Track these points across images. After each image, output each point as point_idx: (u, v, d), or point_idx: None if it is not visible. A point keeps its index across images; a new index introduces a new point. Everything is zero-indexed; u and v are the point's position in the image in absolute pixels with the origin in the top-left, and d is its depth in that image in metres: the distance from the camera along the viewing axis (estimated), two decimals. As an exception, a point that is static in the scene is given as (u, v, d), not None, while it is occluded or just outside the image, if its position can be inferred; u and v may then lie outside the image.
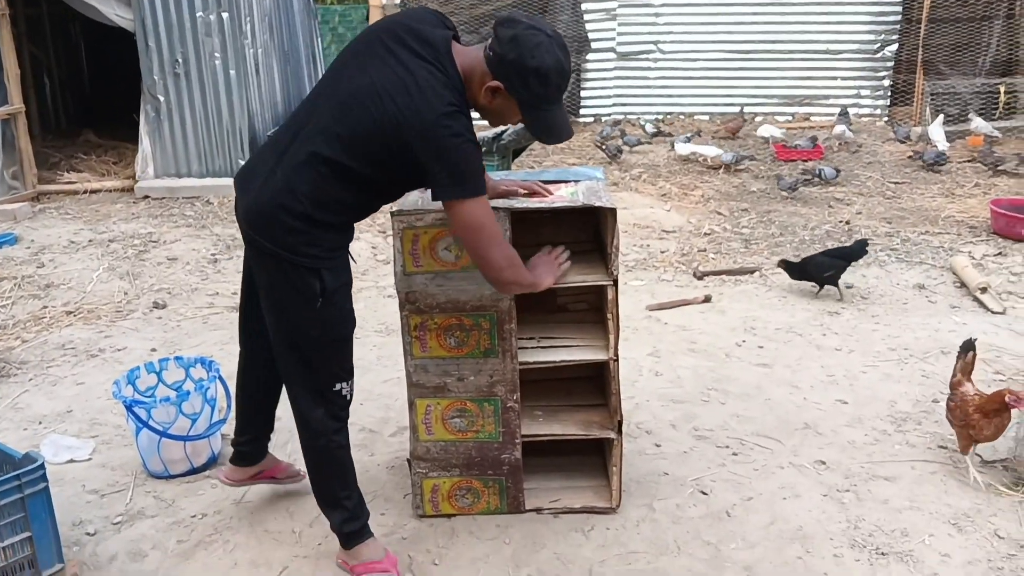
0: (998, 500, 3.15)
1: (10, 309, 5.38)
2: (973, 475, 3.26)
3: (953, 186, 7.61)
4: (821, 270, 5.18)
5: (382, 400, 4.03)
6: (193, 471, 3.44)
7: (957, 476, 3.32)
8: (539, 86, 2.42)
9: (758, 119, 10.84)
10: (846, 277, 5.28)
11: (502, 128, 7.81)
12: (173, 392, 3.59)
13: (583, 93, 11.21)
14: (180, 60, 8.07)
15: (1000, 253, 5.85)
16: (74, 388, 4.30)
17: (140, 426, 3.31)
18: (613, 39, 11.11)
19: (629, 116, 11.04)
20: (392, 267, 2.92)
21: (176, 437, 3.33)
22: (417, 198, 2.95)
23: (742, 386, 4.12)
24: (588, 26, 10.98)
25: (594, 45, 11.04)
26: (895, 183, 7.79)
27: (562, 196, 2.96)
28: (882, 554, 2.87)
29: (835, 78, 10.89)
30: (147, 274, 5.99)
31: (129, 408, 3.33)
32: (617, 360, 3.00)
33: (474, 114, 2.53)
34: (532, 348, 3.08)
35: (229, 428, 3.73)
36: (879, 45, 10.76)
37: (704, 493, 3.24)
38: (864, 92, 10.90)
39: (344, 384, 2.67)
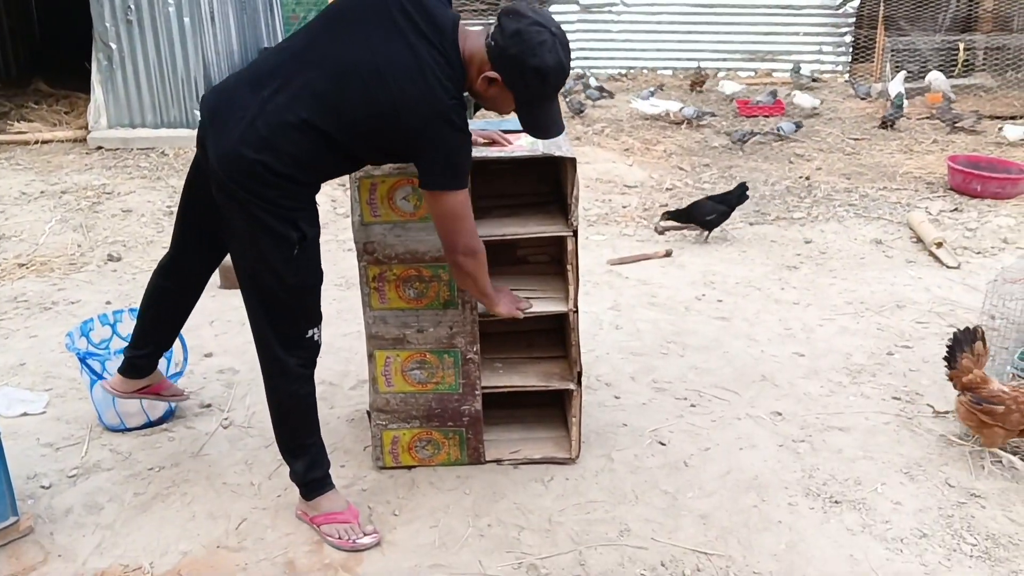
0: (949, 450, 3.22)
1: (-41, 261, 5.25)
2: (1011, 461, 3.13)
3: (911, 143, 7.67)
4: (704, 213, 5.36)
5: (342, 354, 4.01)
6: (150, 424, 3.40)
7: (910, 427, 3.38)
8: (537, 84, 2.42)
9: (720, 74, 10.82)
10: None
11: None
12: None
13: (546, 46, 11.09)
14: (132, 7, 7.84)
15: (956, 209, 5.92)
16: (27, 341, 4.22)
17: (94, 379, 3.26)
18: (577, -9, 11.01)
19: (591, 70, 10.96)
20: (350, 219, 2.88)
21: (131, 390, 3.28)
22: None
23: (701, 339, 4.16)
24: (551, -22, 10.85)
25: (557, -3, 10.92)
26: (855, 139, 7.84)
27: (522, 146, 2.93)
28: (836, 502, 2.92)
29: (797, 34, 10.89)
30: (101, 226, 5.87)
31: (83, 361, 3.28)
32: (577, 312, 3.00)
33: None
34: (492, 300, 3.07)
35: (183, 381, 3.71)
36: (841, 1, 10.76)
37: (662, 444, 3.27)
38: (826, 48, 10.91)
39: (315, 330, 2.67)
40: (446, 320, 2.94)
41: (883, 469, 3.11)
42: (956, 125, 7.95)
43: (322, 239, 5.55)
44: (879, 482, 3.03)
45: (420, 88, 2.34)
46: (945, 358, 3.26)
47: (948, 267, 4.96)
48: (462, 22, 2.49)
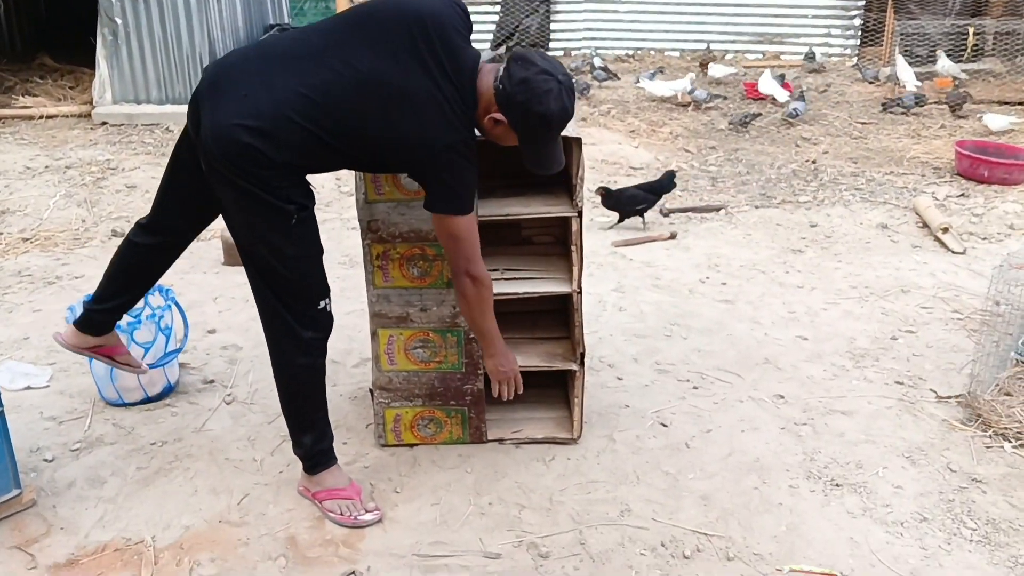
0: (951, 435, 3.21)
1: (-37, 235, 5.25)
2: None
3: (919, 127, 7.63)
4: (633, 203, 5.35)
5: (345, 331, 4.01)
6: (148, 400, 3.40)
7: (912, 412, 3.37)
8: (542, 129, 2.47)
9: (728, 56, 10.77)
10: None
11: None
12: (132, 319, 3.53)
13: (553, 26, 11.05)
14: (138, -19, 7.82)
15: (963, 194, 5.90)
16: (31, 315, 4.22)
17: (95, 354, 3.26)
18: (585, -29, 10.95)
19: (599, 51, 10.91)
20: (355, 197, 2.87)
21: (129, 365, 3.28)
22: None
23: (704, 322, 4.15)
24: (559, -43, 10.79)
25: (565, -23, 10.87)
26: (862, 123, 7.80)
27: (528, 125, 2.91)
28: (836, 485, 2.92)
29: (806, 16, 10.82)
30: (105, 202, 5.87)
31: (84, 335, 3.27)
32: (580, 293, 2.99)
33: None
34: (496, 280, 3.06)
35: (186, 356, 3.72)
36: (851, -17, 10.70)
37: (664, 425, 3.27)
38: (834, 31, 10.85)
39: (326, 301, 2.66)
40: (449, 299, 2.94)
41: (885, 453, 3.11)
42: (954, 110, 7.90)
43: (326, 216, 5.58)
44: (880, 466, 3.03)
45: (438, 121, 2.39)
46: None
47: (954, 252, 4.94)
48: (482, 60, 2.51)
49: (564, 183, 3.14)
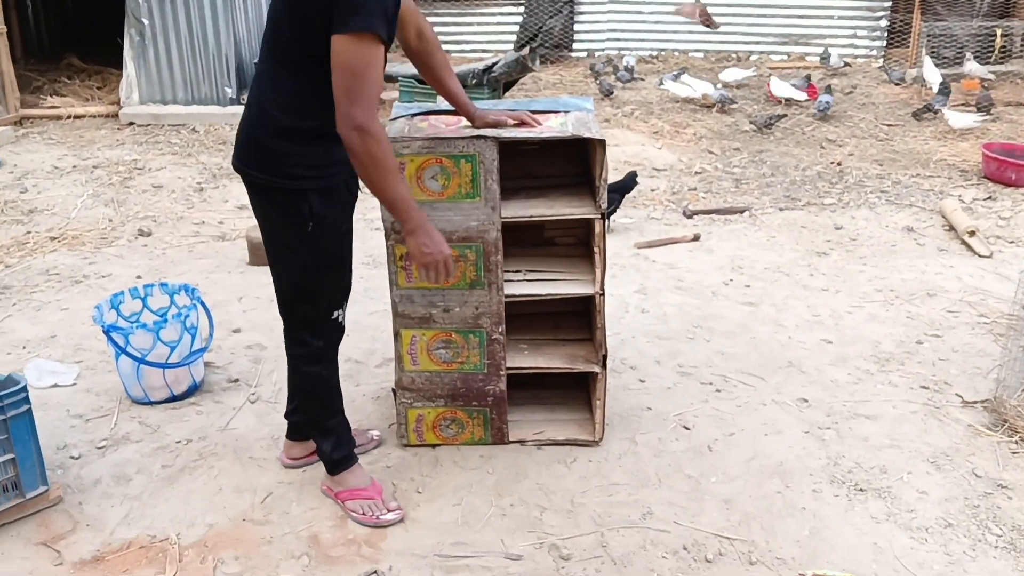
0: (977, 440, 3.18)
1: (-7, 234, 5.32)
2: None
3: (946, 129, 7.56)
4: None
5: (368, 332, 4.03)
6: (174, 398, 3.43)
7: (937, 416, 3.35)
8: None
9: (752, 57, 10.72)
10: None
11: (493, 60, 7.71)
12: (159, 318, 3.57)
13: (576, 27, 11.03)
14: (165, -17, 7.88)
15: (990, 197, 5.84)
16: (58, 313, 4.27)
17: (119, 351, 3.30)
18: (608, -28, 10.92)
19: (623, 51, 10.89)
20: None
21: (154, 364, 3.31)
22: (403, 125, 2.91)
23: (728, 324, 4.13)
24: (583, -42, 10.77)
25: (589, -22, 10.85)
26: (888, 125, 7.74)
27: (551, 127, 2.92)
28: (860, 490, 2.90)
29: (831, 17, 10.74)
30: (132, 201, 5.92)
31: (107, 334, 3.31)
32: (603, 294, 2.99)
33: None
34: (519, 281, 3.07)
35: (211, 356, 3.74)
36: (877, -16, 10.61)
37: (687, 428, 3.26)
38: (860, 32, 10.76)
39: (340, 311, 2.68)
40: (472, 300, 2.94)
41: (909, 458, 3.08)
42: (980, 110, 7.82)
43: (350, 217, 5.54)
44: (905, 471, 3.00)
45: None
46: None
47: (980, 256, 4.89)
48: None
49: (587, 184, 3.14)
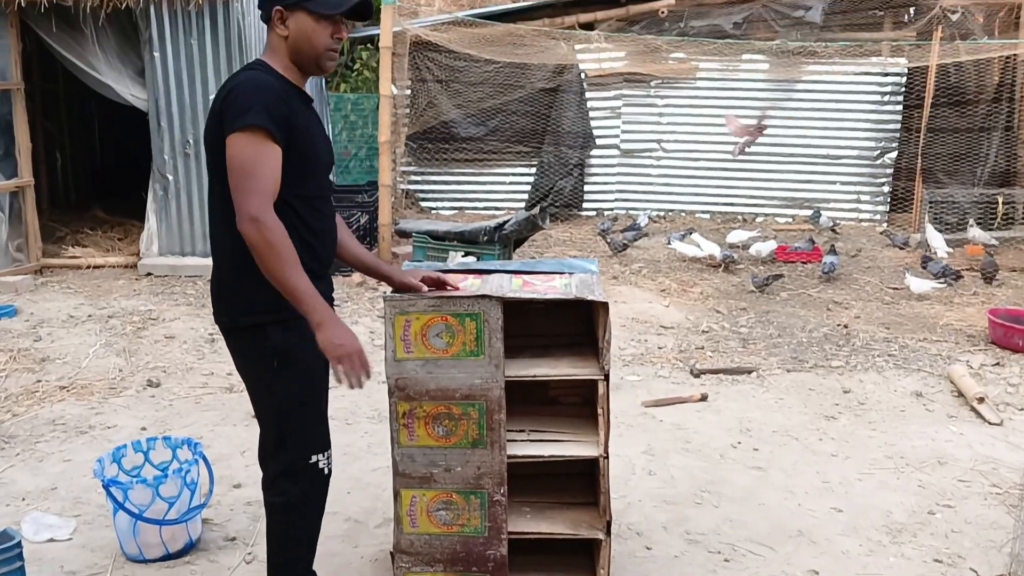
0: (995, 618, 3.07)
1: (3, 382, 5.35)
2: None
3: (951, 294, 7.63)
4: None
5: (370, 489, 3.97)
6: (168, 556, 3.36)
7: (953, 591, 3.24)
8: None
9: (758, 219, 10.96)
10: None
11: (504, 219, 7.91)
12: (160, 472, 3.54)
13: (587, 188, 11.36)
14: (191, 141, 8.20)
15: (998, 363, 5.83)
16: (60, 465, 4.24)
17: (117, 507, 3.25)
18: (617, 136, 11.33)
19: (631, 211, 11.17)
20: (384, 354, 2.91)
21: (151, 520, 3.26)
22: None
23: (736, 489, 4.06)
24: (593, 123, 11.20)
25: (599, 141, 11.24)
26: (894, 288, 7.82)
27: (555, 288, 2.97)
28: (875, 670, 2.78)
29: (834, 183, 11.05)
30: (143, 351, 5.97)
31: (107, 488, 3.28)
32: (607, 457, 2.96)
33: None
34: (522, 441, 3.04)
35: (210, 512, 3.69)
36: (879, 152, 10.95)
37: (693, 599, 3.16)
38: (864, 197, 11.04)
39: (321, 457, 2.60)
40: (474, 459, 2.91)
41: (925, 636, 2.97)
42: (987, 277, 7.91)
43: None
44: (921, 650, 2.89)
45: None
46: None
47: (990, 423, 4.84)
48: None
49: (591, 344, 3.17)
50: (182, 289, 7.61)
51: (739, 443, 4.58)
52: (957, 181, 10.36)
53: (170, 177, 8.29)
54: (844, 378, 5.58)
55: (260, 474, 4.06)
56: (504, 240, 7.80)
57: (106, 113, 11.66)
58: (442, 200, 11.51)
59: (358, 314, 6.89)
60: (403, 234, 8.55)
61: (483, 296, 2.81)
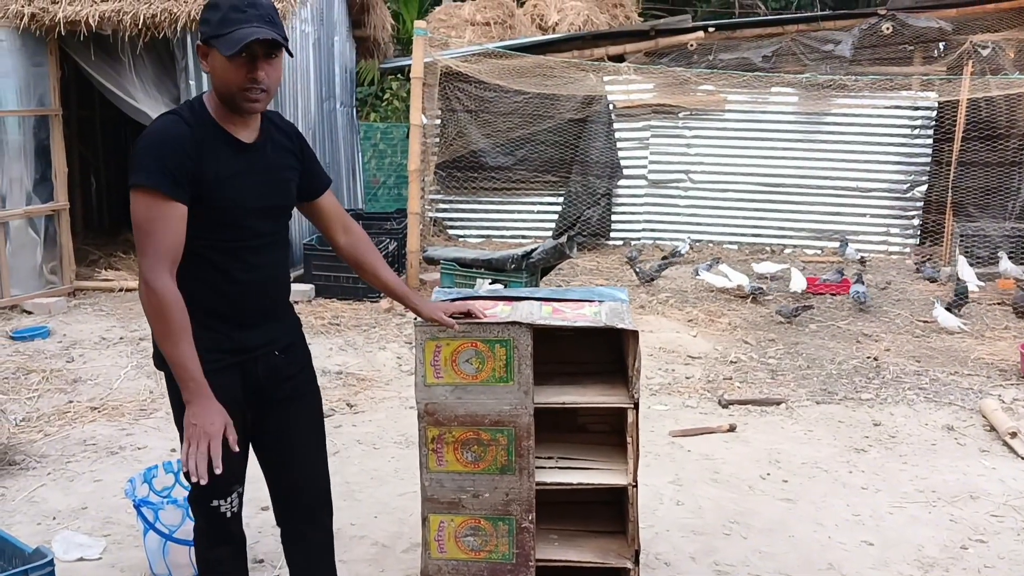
0: (1030, 656, 3.01)
1: (36, 402, 5.42)
2: None
3: (983, 328, 7.55)
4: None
5: (396, 514, 3.98)
6: (199, 576, 3.37)
7: (987, 628, 3.19)
8: (213, 13, 2.35)
9: (787, 251, 10.92)
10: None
11: (532, 247, 7.94)
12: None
13: (614, 217, 11.38)
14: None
15: (1031, 398, 5.75)
16: (91, 485, 4.28)
17: (147, 527, 3.28)
18: (645, 167, 11.35)
19: (658, 242, 11.18)
20: (414, 379, 2.92)
21: (181, 541, 3.28)
22: (444, 311, 2.98)
23: (765, 521, 4.03)
24: (621, 153, 11.24)
25: (626, 172, 11.27)
26: (924, 322, 7.75)
27: (585, 315, 2.98)
28: None
29: (864, 215, 11.00)
30: (173, 374, 6.02)
31: (138, 508, 3.31)
32: (636, 486, 2.95)
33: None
34: (550, 468, 3.05)
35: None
36: (908, 185, 10.89)
37: (722, 631, 3.13)
38: (894, 230, 10.98)
39: (223, 503, 2.53)
40: (503, 486, 2.92)
41: (959, 674, 2.92)
42: (1018, 310, 7.83)
43: (385, 395, 5.62)
44: None
45: None
46: None
47: (1023, 459, 4.78)
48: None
49: (620, 372, 3.17)
50: (212, 313, 7.69)
51: (768, 474, 4.55)
52: (988, 215, 10.28)
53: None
54: (874, 411, 5.53)
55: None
56: (531, 268, 7.82)
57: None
58: (470, 228, 11.57)
59: (385, 339, 6.93)
60: (431, 261, 8.60)
61: (513, 323, 2.83)
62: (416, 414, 2.94)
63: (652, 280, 8.96)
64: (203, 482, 2.26)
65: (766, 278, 9.12)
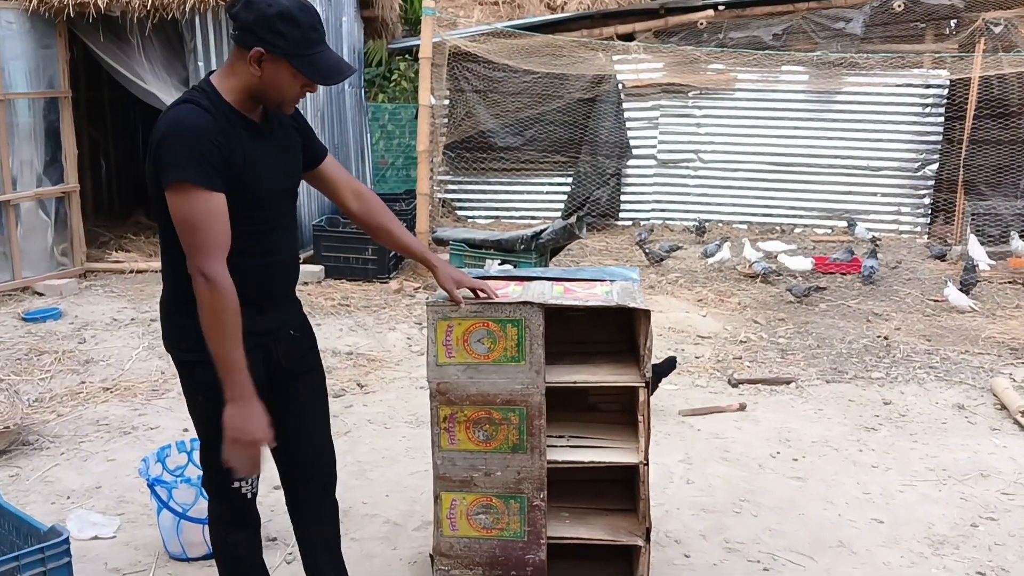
0: (1040, 633, 3.02)
1: (48, 383, 5.45)
2: None
3: (994, 307, 7.53)
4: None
5: (408, 492, 4.00)
6: (211, 555, 3.37)
7: (997, 605, 3.20)
8: (292, 29, 2.30)
9: (796, 230, 10.88)
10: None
11: (541, 227, 7.93)
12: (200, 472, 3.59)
13: (623, 197, 11.35)
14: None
15: (1042, 376, 5.74)
16: (104, 464, 4.32)
17: (161, 506, 3.31)
18: (654, 146, 11.30)
19: (668, 221, 11.15)
20: (425, 358, 2.93)
21: (195, 520, 3.31)
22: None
23: (775, 499, 4.04)
24: (630, 133, 11.19)
25: (636, 152, 11.22)
26: (934, 300, 7.73)
27: (596, 295, 2.98)
28: None
29: (875, 194, 10.94)
30: (184, 355, 6.05)
31: (151, 487, 3.33)
32: (647, 464, 2.96)
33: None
34: (561, 447, 3.06)
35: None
36: (920, 164, 10.82)
37: (732, 607, 3.15)
38: (904, 209, 10.92)
39: (244, 483, 2.55)
40: (514, 464, 2.93)
41: (969, 650, 2.93)
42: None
43: (396, 375, 5.64)
44: (965, 664, 2.85)
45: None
46: None
47: (1035, 437, 4.77)
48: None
49: (632, 352, 3.17)
50: (222, 294, 7.71)
51: (778, 453, 4.55)
52: (1000, 193, 10.21)
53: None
54: (884, 390, 5.52)
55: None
56: (541, 249, 7.81)
57: (150, 121, 11.72)
58: (479, 209, 11.56)
59: (395, 320, 6.94)
60: (440, 242, 8.60)
61: (525, 303, 2.83)
62: (427, 394, 2.95)
63: (661, 261, 8.96)
64: (244, 481, 2.35)
65: (774, 257, 9.11)
